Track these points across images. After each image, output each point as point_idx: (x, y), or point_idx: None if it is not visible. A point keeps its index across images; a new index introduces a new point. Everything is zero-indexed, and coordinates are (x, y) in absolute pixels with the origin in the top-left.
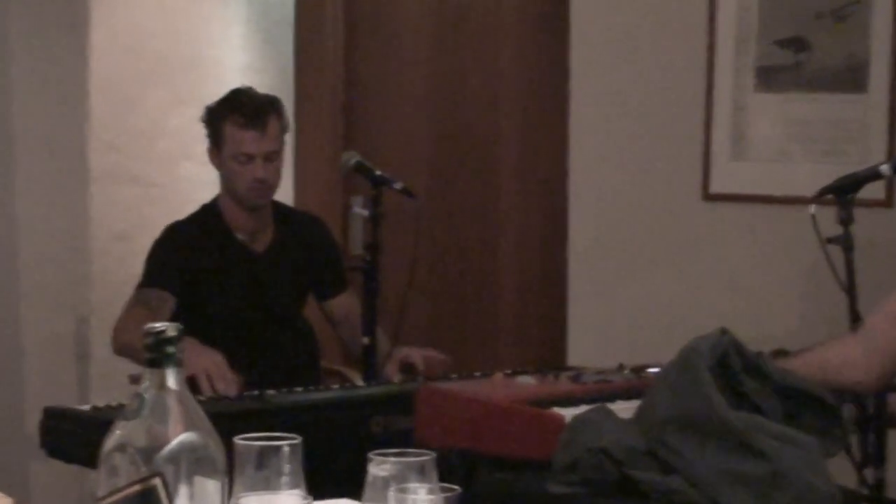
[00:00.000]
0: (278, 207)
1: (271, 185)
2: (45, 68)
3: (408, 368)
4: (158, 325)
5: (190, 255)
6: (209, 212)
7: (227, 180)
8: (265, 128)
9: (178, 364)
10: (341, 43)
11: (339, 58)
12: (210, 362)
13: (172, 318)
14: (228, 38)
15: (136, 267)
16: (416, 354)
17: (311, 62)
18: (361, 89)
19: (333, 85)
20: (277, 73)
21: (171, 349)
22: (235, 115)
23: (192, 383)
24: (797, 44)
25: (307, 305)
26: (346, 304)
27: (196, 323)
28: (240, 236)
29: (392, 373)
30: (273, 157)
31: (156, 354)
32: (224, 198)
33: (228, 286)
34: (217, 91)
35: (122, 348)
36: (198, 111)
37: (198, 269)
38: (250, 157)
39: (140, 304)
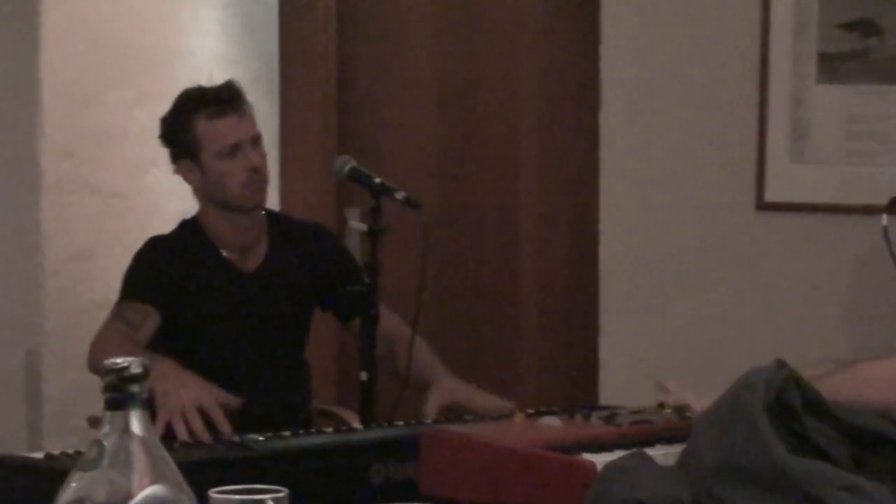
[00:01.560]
0: (273, 217)
1: (265, 175)
2: None
3: (458, 410)
4: (120, 361)
5: (173, 272)
6: (190, 228)
7: (213, 187)
8: (241, 109)
9: (143, 406)
10: (334, 29)
11: (331, 47)
12: (189, 397)
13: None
14: (202, 24)
15: (95, 291)
16: (479, 401)
17: (298, 52)
18: (358, 83)
19: (325, 78)
20: (259, 65)
21: (135, 388)
22: (204, 108)
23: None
24: (865, 27)
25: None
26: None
27: (172, 355)
28: (226, 254)
29: (431, 409)
30: (258, 141)
31: (117, 395)
32: (207, 212)
33: (212, 313)
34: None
35: (100, 370)
36: (167, 110)
37: (179, 290)
38: (236, 147)
39: (118, 318)
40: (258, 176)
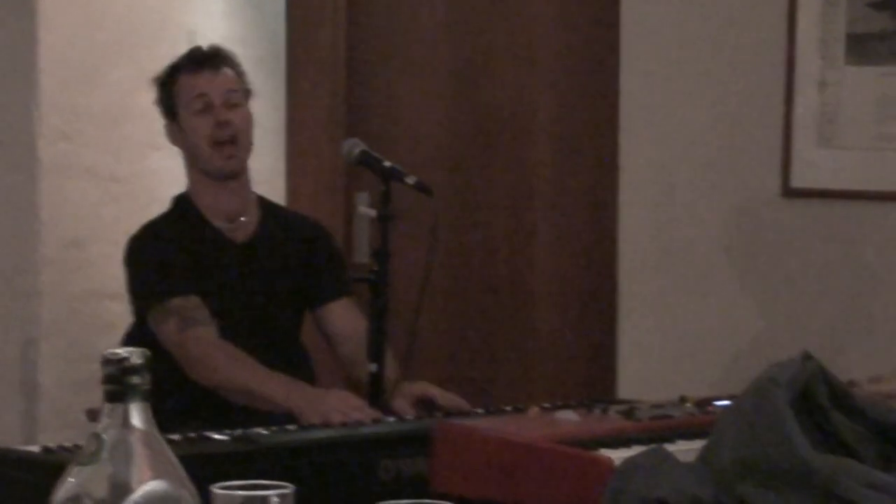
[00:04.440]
0: (264, 200)
1: (238, 133)
2: None
3: (425, 405)
4: (120, 352)
5: (171, 253)
6: (181, 202)
7: (191, 149)
8: (217, 67)
9: (144, 398)
10: (343, 8)
11: (340, 26)
12: (335, 400)
13: (134, 332)
14: (206, 2)
15: (93, 279)
16: (437, 391)
17: (306, 31)
18: (368, 64)
19: (334, 58)
20: (265, 44)
21: (135, 379)
22: (184, 66)
23: None
24: None
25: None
26: (343, 314)
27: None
28: (217, 224)
29: (403, 408)
30: (235, 100)
31: (117, 386)
32: (194, 181)
33: (206, 286)
34: None
35: (231, 388)
36: None
37: (186, 268)
38: (208, 104)
39: (191, 321)
40: (229, 131)
